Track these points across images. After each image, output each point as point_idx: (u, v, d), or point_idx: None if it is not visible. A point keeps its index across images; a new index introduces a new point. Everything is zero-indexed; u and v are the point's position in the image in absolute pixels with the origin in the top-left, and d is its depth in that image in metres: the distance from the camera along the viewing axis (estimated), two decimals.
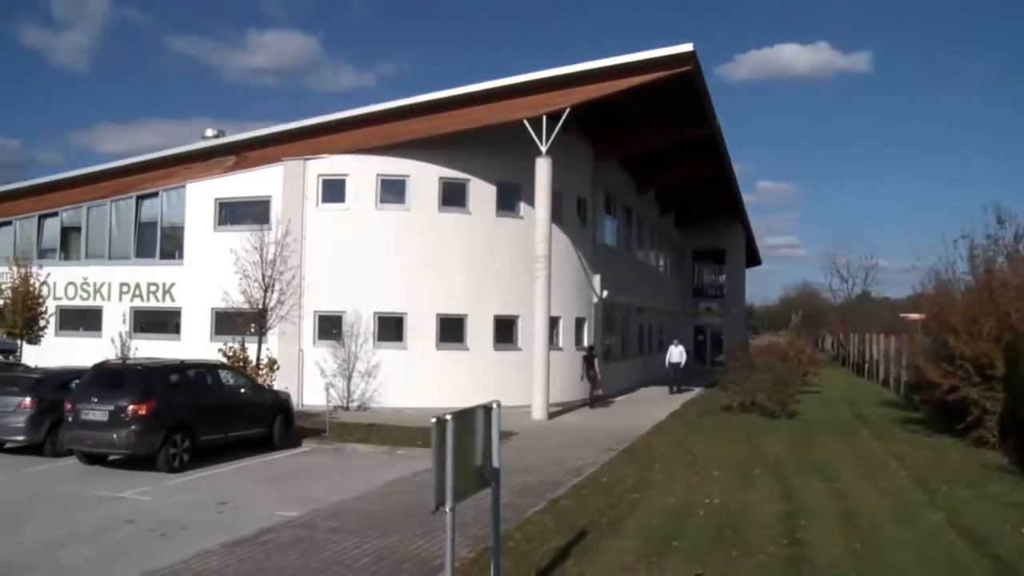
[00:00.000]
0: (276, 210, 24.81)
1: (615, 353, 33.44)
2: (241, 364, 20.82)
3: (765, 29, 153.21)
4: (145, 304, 27.47)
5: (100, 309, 28.10)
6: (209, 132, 28.24)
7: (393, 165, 24.82)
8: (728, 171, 38.38)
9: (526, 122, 23.14)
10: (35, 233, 29.68)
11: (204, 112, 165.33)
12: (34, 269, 25.09)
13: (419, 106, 24.12)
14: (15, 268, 24.64)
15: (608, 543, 10.00)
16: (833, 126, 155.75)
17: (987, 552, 9.81)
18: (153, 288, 27.29)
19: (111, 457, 15.72)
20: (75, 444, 15.48)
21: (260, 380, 20.22)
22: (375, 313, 24.55)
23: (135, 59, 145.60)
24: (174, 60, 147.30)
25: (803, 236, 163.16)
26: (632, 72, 23.11)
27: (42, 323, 24.80)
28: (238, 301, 21.95)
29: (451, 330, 24.98)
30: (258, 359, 21.65)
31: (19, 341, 23.97)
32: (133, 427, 14.78)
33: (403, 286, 24.55)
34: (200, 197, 26.55)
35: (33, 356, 23.48)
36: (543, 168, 23.39)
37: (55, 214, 29.55)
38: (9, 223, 30.30)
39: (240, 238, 22.48)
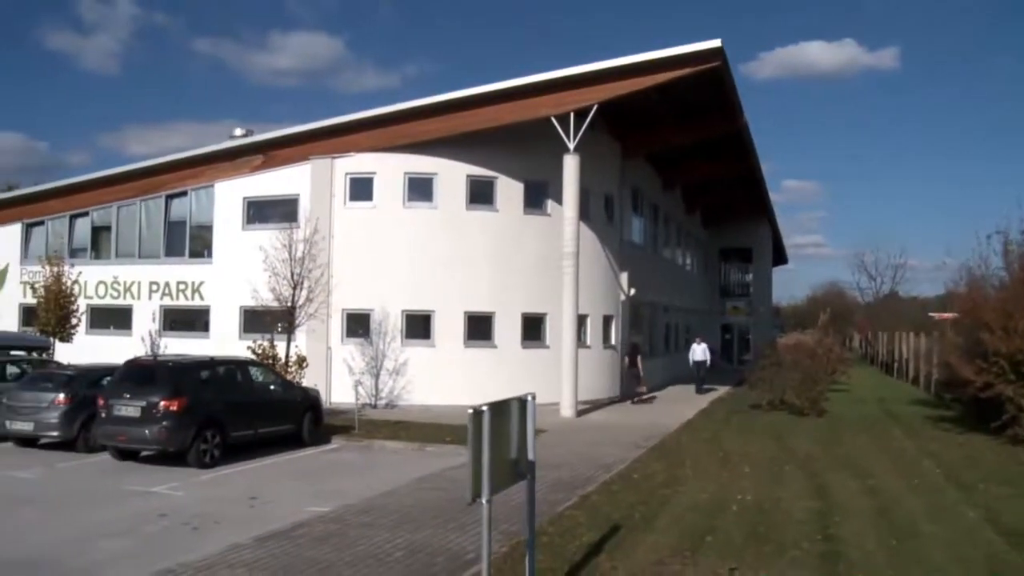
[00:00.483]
0: (304, 208, 24.88)
1: (643, 352, 33.26)
2: (270, 362, 20.91)
3: (790, 27, 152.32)
4: (174, 303, 27.69)
5: (130, 308, 28.34)
6: (237, 131, 28.39)
7: (420, 163, 24.87)
8: (755, 168, 38.13)
9: (553, 119, 23.12)
10: (66, 233, 29.99)
11: (229, 114, 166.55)
12: (66, 268, 25.30)
13: (446, 104, 24.15)
14: (48, 267, 24.86)
15: (641, 538, 9.95)
16: (859, 124, 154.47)
17: None
18: (182, 287, 27.50)
19: (143, 453, 15.85)
20: (108, 440, 15.61)
21: (289, 377, 20.29)
22: (403, 311, 24.61)
23: (161, 62, 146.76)
24: (200, 63, 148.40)
25: (829, 235, 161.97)
26: (659, 68, 23.03)
27: (74, 321, 25.01)
28: (267, 298, 22.04)
29: (479, 328, 25.00)
30: (287, 357, 21.72)
31: (52, 339, 24.17)
32: (165, 423, 14.88)
33: (431, 284, 24.59)
34: (228, 196, 26.72)
35: (65, 354, 23.69)
36: (571, 165, 23.34)
37: (86, 214, 29.83)
38: (41, 223, 30.62)
39: (269, 236, 22.59)
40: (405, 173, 24.93)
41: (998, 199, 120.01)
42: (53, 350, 23.81)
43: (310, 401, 18.61)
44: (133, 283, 28.35)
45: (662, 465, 15.26)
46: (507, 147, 24.89)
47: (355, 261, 24.60)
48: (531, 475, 7.21)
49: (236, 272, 25.11)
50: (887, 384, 39.15)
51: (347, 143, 25.16)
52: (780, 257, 66.13)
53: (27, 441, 17.02)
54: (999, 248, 20.32)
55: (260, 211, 26.39)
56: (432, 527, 10.68)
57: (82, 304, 26.47)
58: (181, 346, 24.77)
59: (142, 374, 15.99)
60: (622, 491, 12.87)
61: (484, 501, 6.29)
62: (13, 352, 20.72)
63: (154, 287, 27.98)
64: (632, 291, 29.89)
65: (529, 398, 7.09)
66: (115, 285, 28.64)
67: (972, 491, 13.09)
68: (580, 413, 23.52)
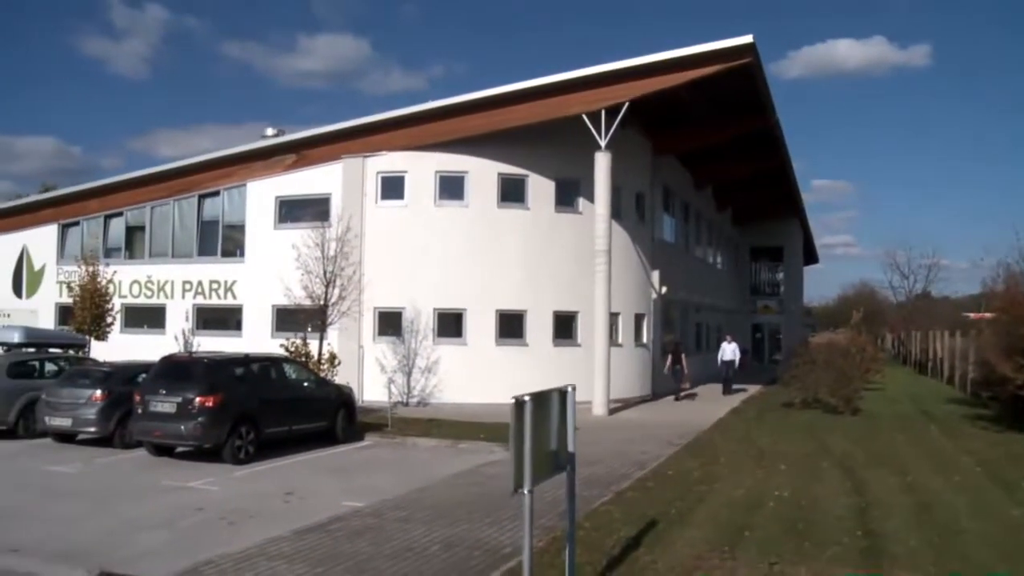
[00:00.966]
0: (336, 207, 24.98)
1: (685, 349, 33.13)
2: (303, 359, 20.99)
3: (818, 25, 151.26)
4: (207, 301, 27.91)
5: (163, 307, 28.59)
6: (269, 131, 28.61)
7: (451, 162, 24.90)
8: (786, 166, 37.90)
9: (585, 116, 23.07)
10: (101, 233, 30.31)
11: (257, 116, 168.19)
12: (101, 267, 25.54)
13: (477, 102, 24.18)
14: (83, 267, 25.10)
15: (679, 533, 9.88)
16: (890, 123, 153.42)
17: None
18: (215, 286, 27.71)
19: (178, 449, 15.95)
20: (144, 435, 15.71)
21: (321, 375, 20.34)
22: (434, 309, 24.65)
23: (190, 66, 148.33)
24: (228, 66, 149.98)
25: (859, 235, 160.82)
26: (691, 65, 22.93)
27: (109, 320, 25.23)
28: (299, 296, 22.14)
29: (510, 326, 25.01)
30: (320, 354, 21.81)
31: (88, 337, 24.41)
32: (200, 419, 14.94)
33: (462, 282, 24.62)
34: (261, 195, 26.90)
35: (99, 353, 23.91)
36: (602, 162, 23.28)
37: (120, 214, 30.14)
38: (77, 223, 30.96)
39: (301, 235, 22.69)
40: (436, 172, 24.98)
41: None
42: (89, 349, 24.03)
43: (343, 398, 18.64)
44: (166, 282, 28.60)
45: (697, 462, 15.15)
46: (538, 145, 24.88)
47: (387, 260, 24.67)
48: (571, 466, 7.18)
49: (268, 271, 25.26)
50: (921, 383, 38.67)
51: (378, 142, 25.25)
52: (811, 256, 65.60)
53: (65, 437, 17.19)
54: None
55: (292, 210, 26.52)
56: (468, 522, 10.66)
57: (116, 303, 26.71)
58: (214, 345, 24.87)
59: (178, 370, 16.10)
60: (657, 487, 12.79)
61: (526, 491, 6.27)
62: (51, 350, 20.90)
63: (187, 286, 28.22)
64: (664, 289, 29.77)
65: (569, 390, 7.06)
66: (149, 284, 28.91)
67: (1015, 489, 12.85)
68: (612, 411, 23.46)
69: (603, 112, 23.06)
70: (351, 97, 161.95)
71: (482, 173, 24.98)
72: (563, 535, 9.05)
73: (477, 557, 9.09)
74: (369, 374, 24.34)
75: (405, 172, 25.08)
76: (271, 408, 16.25)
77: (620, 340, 26.51)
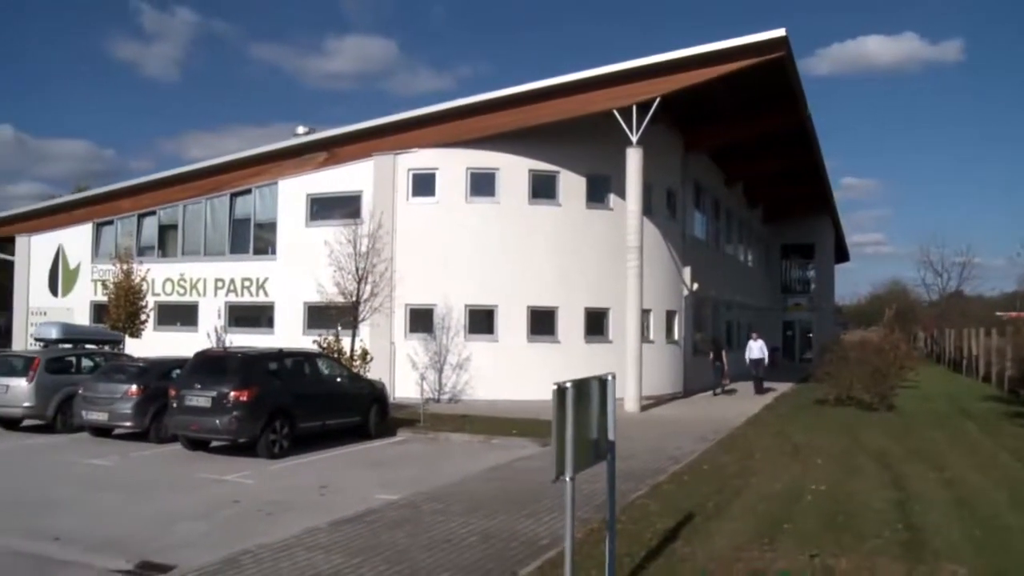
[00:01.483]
0: (367, 205, 25.10)
1: (704, 348, 32.94)
2: (335, 355, 21.07)
3: (848, 21, 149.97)
4: (239, 299, 28.10)
5: (196, 304, 28.82)
6: (300, 130, 28.71)
7: (482, 158, 24.91)
8: (818, 162, 37.58)
9: (616, 112, 22.98)
10: (135, 231, 30.62)
11: (285, 118, 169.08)
12: (135, 266, 25.77)
13: (508, 99, 24.16)
14: (118, 265, 25.35)
15: (716, 525, 9.82)
16: (921, 120, 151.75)
17: None
18: (247, 283, 27.89)
19: (213, 443, 16.05)
20: (179, 429, 15.83)
21: (354, 371, 20.40)
22: (466, 305, 24.68)
23: (220, 68, 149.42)
24: (257, 68, 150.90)
25: (890, 233, 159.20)
26: (722, 60, 22.77)
27: (143, 317, 25.45)
28: (332, 293, 22.23)
29: (541, 322, 24.99)
30: (352, 351, 21.88)
31: (123, 334, 24.64)
32: (235, 413, 15.01)
33: (493, 279, 24.62)
34: (292, 193, 27.04)
35: (134, 350, 24.13)
36: (634, 158, 23.19)
37: (153, 213, 30.42)
38: (111, 222, 31.28)
39: (333, 232, 22.79)
40: (467, 168, 24.99)
41: None
42: (124, 345, 24.26)
43: (376, 393, 18.68)
44: (199, 280, 28.83)
45: (732, 457, 15.06)
46: (569, 141, 24.84)
47: (418, 256, 24.72)
48: (611, 455, 7.14)
49: (300, 268, 25.41)
50: (956, 381, 38.21)
51: (409, 139, 25.30)
52: (842, 255, 65.02)
53: (102, 431, 17.35)
54: None
55: (323, 208, 26.64)
56: (505, 514, 10.65)
57: (150, 301, 26.94)
58: (246, 342, 25.04)
59: (213, 365, 16.22)
60: (693, 481, 12.73)
61: (568, 479, 6.23)
62: (87, 346, 21.13)
63: (219, 284, 28.42)
64: (695, 286, 29.63)
65: (609, 378, 7.01)
66: (181, 282, 29.15)
67: None
68: (644, 408, 23.37)
69: (634, 108, 22.97)
70: (379, 98, 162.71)
71: (513, 170, 24.97)
72: (600, 527, 9.04)
73: (515, 548, 9.07)
74: (400, 370, 24.40)
75: (436, 169, 25.12)
76: (305, 403, 16.31)
77: (652, 337, 26.41)
